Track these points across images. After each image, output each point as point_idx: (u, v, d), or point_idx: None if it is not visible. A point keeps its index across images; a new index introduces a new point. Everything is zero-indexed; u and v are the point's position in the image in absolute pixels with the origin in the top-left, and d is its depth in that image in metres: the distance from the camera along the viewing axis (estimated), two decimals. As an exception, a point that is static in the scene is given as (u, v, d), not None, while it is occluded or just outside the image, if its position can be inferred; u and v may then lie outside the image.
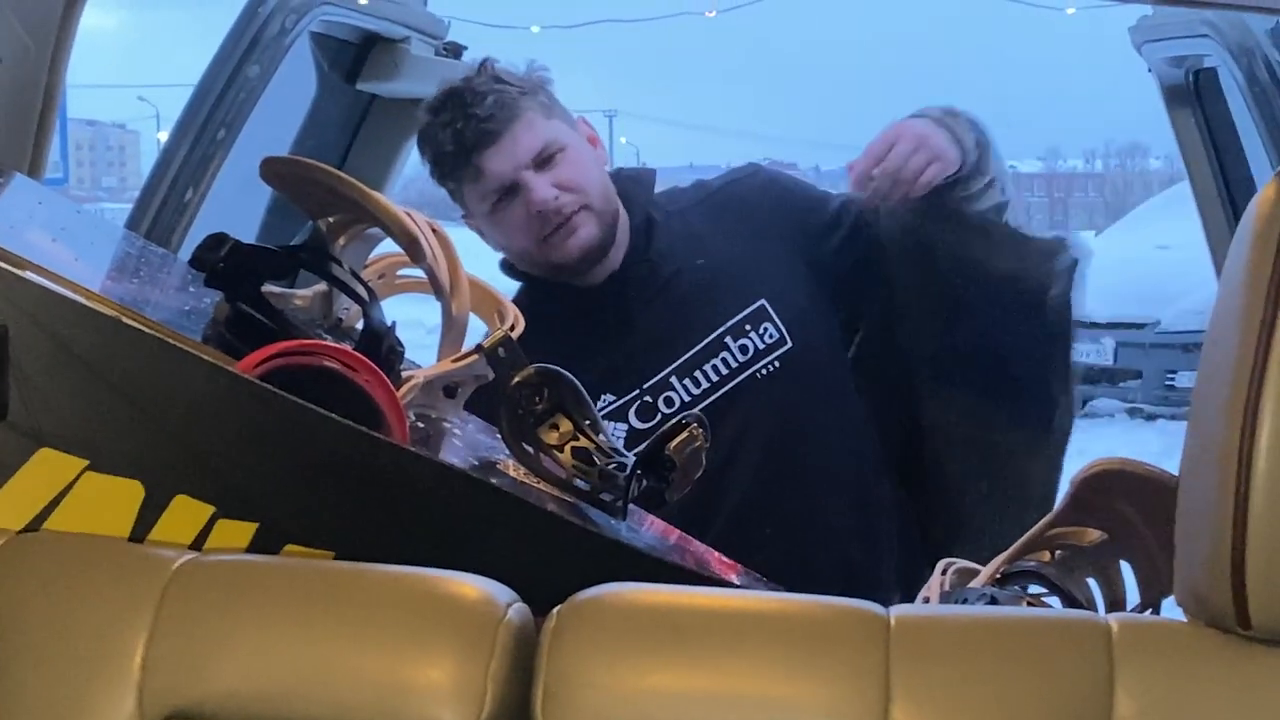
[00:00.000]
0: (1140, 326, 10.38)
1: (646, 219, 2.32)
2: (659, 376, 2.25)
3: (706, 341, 2.26)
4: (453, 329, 1.72)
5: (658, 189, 2.41)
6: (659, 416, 2.23)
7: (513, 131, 2.20)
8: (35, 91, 2.31)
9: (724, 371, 2.26)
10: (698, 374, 2.25)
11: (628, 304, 2.29)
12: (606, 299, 2.29)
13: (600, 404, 2.20)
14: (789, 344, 2.26)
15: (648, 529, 1.79)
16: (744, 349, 2.26)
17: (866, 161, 2.24)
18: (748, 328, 2.26)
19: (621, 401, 2.25)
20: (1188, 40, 3.15)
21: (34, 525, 1.36)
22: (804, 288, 2.32)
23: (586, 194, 2.23)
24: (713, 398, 2.24)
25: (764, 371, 2.26)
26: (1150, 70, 3.34)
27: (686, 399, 2.24)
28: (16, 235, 1.55)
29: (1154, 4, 3.07)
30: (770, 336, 2.26)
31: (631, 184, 2.35)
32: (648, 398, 2.25)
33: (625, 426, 2.23)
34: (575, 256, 2.25)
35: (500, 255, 2.36)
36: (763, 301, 2.27)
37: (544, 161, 2.21)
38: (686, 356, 2.25)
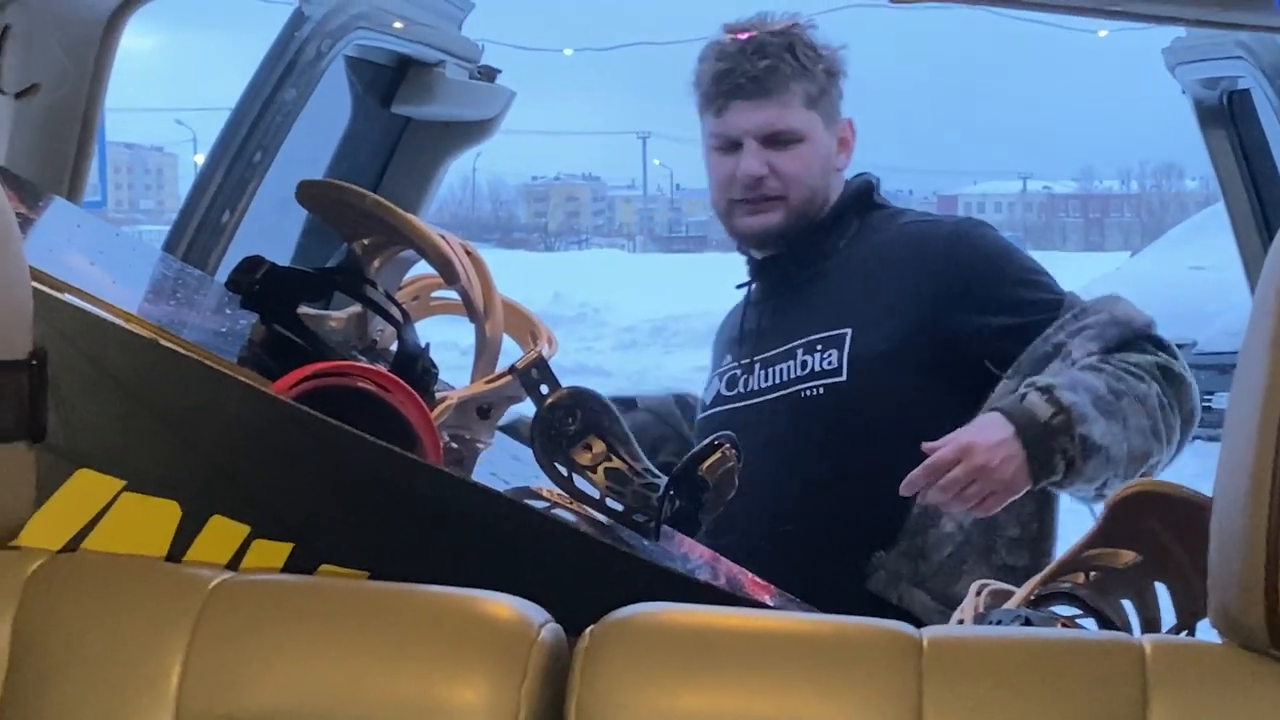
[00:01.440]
0: (1177, 348, 10.32)
1: (832, 218, 2.42)
2: (751, 359, 2.40)
3: (789, 345, 2.35)
4: (486, 350, 1.73)
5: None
6: (735, 391, 2.40)
7: (765, 102, 2.34)
8: (74, 115, 2.34)
9: (783, 378, 2.34)
10: (770, 370, 2.37)
11: (774, 282, 2.44)
12: (765, 271, 2.46)
13: (725, 362, 2.45)
14: (842, 377, 2.29)
15: (680, 549, 1.79)
16: (804, 364, 2.33)
17: (923, 475, 2.08)
18: (819, 347, 2.32)
19: (729, 367, 2.44)
20: (1221, 62, 3.14)
21: (72, 545, 1.37)
22: (900, 339, 2.30)
23: (792, 190, 2.36)
24: (763, 398, 2.36)
25: (808, 393, 2.31)
26: (1184, 92, 3.33)
27: (754, 388, 2.38)
28: (55, 258, 1.57)
29: (1187, 26, 3.06)
30: (828, 363, 2.30)
31: (847, 189, 2.45)
32: (737, 372, 2.42)
33: (719, 385, 2.44)
34: (748, 234, 2.42)
35: None
36: (848, 330, 2.32)
37: (774, 141, 2.35)
38: (769, 352, 2.38)
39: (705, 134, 2.42)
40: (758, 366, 2.38)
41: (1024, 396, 2.13)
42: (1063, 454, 2.10)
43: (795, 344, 2.35)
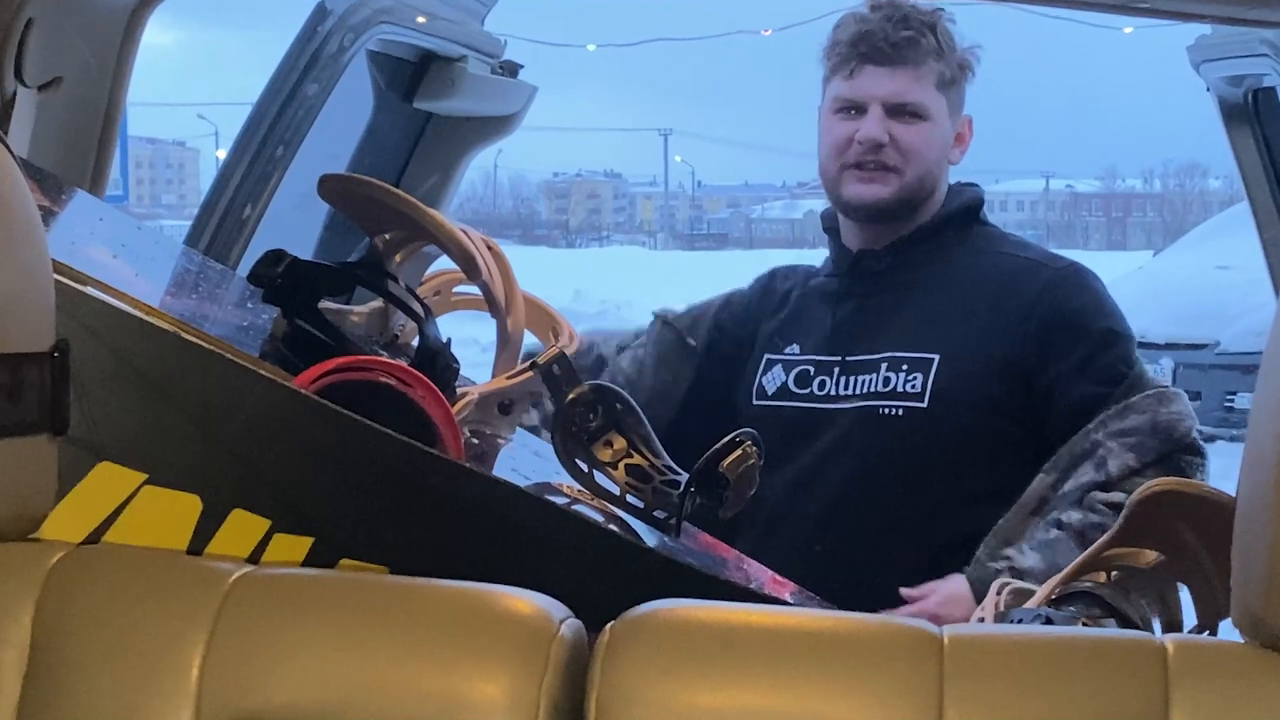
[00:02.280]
0: (1200, 347, 10.30)
1: (933, 227, 2.39)
2: (829, 359, 2.36)
3: (873, 357, 2.33)
4: (508, 346, 1.73)
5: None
6: (808, 390, 2.36)
7: (899, 70, 2.33)
8: (97, 109, 2.34)
9: (863, 389, 2.32)
10: (851, 378, 2.34)
11: (860, 281, 2.40)
12: (853, 266, 2.41)
13: (787, 350, 2.40)
14: (924, 404, 2.28)
15: (701, 546, 1.79)
16: (887, 381, 2.31)
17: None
18: (905, 367, 2.31)
19: (796, 357, 2.39)
20: (1246, 59, 3.12)
21: (93, 538, 1.37)
22: (992, 381, 2.29)
23: (909, 164, 2.34)
24: (841, 405, 2.33)
25: (885, 411, 2.30)
26: (1209, 89, 3.32)
27: (831, 391, 2.34)
28: (78, 251, 1.57)
29: (1212, 23, 3.04)
30: (913, 387, 2.29)
31: (953, 194, 2.42)
32: (811, 369, 2.37)
33: (784, 377, 2.39)
34: (856, 203, 2.36)
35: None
36: (935, 357, 2.30)
37: (899, 112, 2.33)
38: (855, 358, 2.34)
39: (827, 98, 2.39)
40: (837, 370, 2.34)
41: (998, 572, 2.10)
42: None
43: (881, 357, 2.32)
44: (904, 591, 2.16)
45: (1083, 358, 2.28)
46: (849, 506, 2.29)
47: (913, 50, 2.32)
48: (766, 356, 2.42)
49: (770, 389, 2.40)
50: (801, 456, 2.33)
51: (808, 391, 2.36)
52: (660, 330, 2.55)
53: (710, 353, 2.50)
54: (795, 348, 2.40)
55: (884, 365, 2.31)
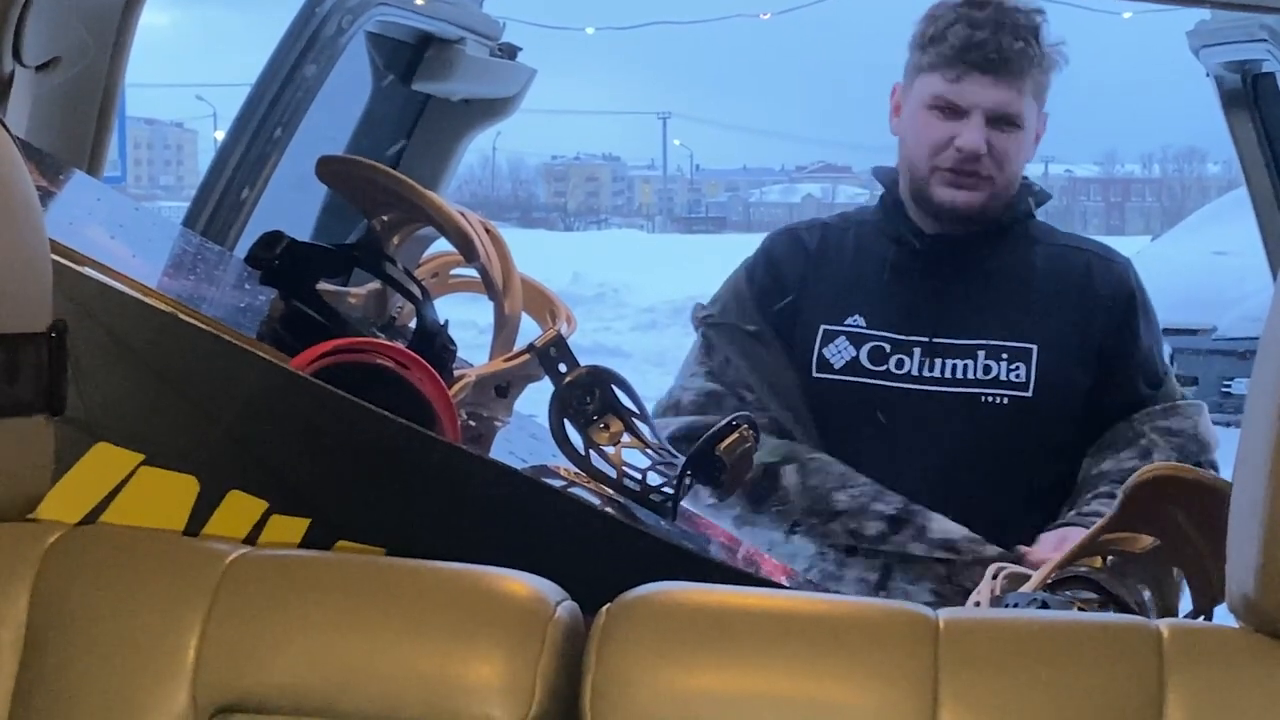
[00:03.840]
0: (1197, 333, 10.30)
1: (1012, 221, 2.40)
2: (908, 338, 2.34)
3: (966, 342, 2.33)
4: (505, 328, 1.73)
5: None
6: (884, 368, 2.33)
7: (1006, 81, 2.30)
8: (95, 90, 2.34)
9: (958, 376, 2.32)
10: (938, 361, 2.33)
11: (936, 264, 2.37)
12: (927, 248, 2.38)
13: (848, 321, 2.35)
14: (1030, 394, 2.31)
15: (698, 529, 1.79)
16: (987, 369, 2.31)
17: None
18: (1004, 356, 2.32)
19: (864, 331, 2.35)
20: (1245, 45, 3.13)
21: (90, 518, 1.37)
22: (1071, 366, 2.34)
23: (1001, 173, 2.33)
24: (933, 388, 2.32)
25: (989, 399, 2.31)
26: (1208, 75, 3.32)
27: (912, 372, 2.33)
28: (76, 231, 1.57)
29: (1211, 9, 3.04)
30: (1017, 376, 2.31)
31: (1027, 191, 2.42)
32: (886, 346, 2.34)
33: (853, 351, 2.34)
34: (949, 206, 2.34)
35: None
36: (1034, 347, 2.32)
37: (999, 122, 2.31)
38: (943, 340, 2.33)
39: (921, 90, 2.35)
40: (919, 351, 2.32)
41: None
42: None
43: (977, 343, 2.32)
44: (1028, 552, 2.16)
45: (1144, 355, 2.37)
46: (929, 492, 2.28)
47: (1021, 62, 2.30)
48: (824, 327, 2.36)
49: (837, 362, 2.35)
50: (877, 435, 2.32)
51: (884, 369, 2.33)
52: (717, 335, 2.44)
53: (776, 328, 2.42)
54: (859, 319, 2.36)
55: (981, 353, 2.31)
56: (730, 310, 2.44)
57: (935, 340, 2.33)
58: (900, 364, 2.33)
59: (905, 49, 2.40)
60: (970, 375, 2.31)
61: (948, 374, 2.32)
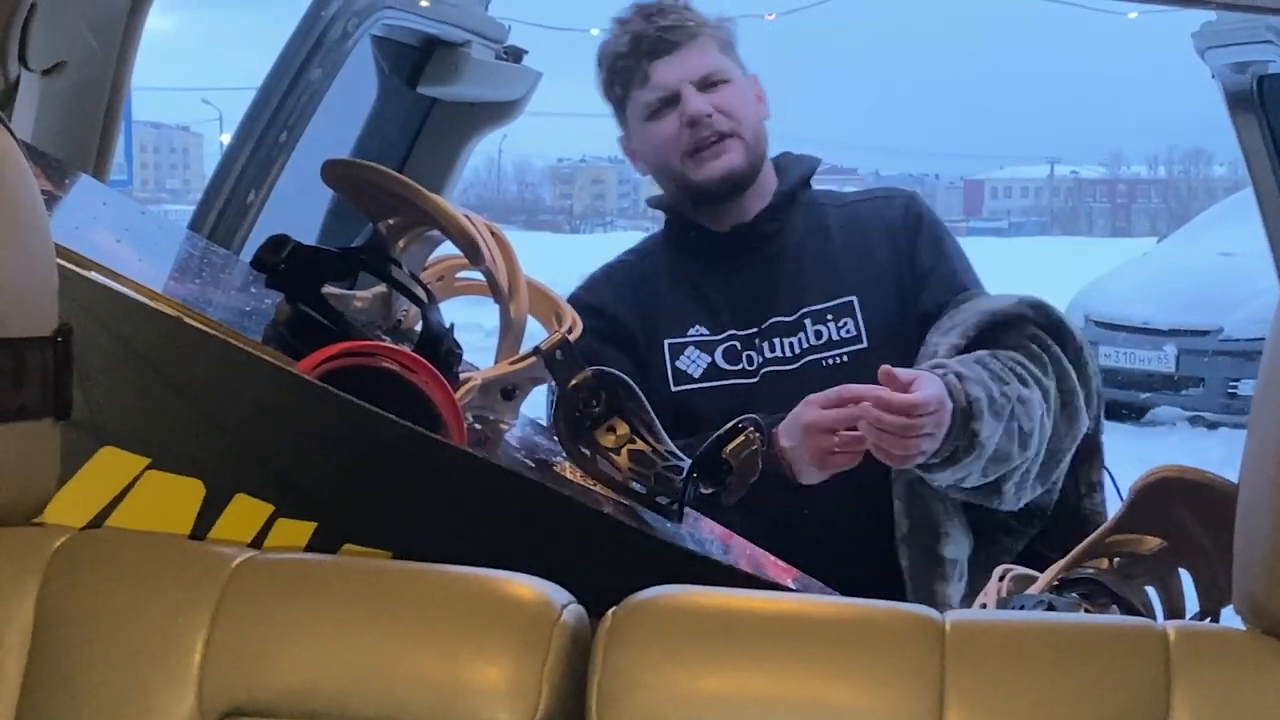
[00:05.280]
0: (1203, 334, 10.29)
1: (792, 192, 2.46)
2: (747, 331, 2.39)
3: (792, 317, 2.38)
4: (510, 331, 1.72)
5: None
6: (740, 366, 2.38)
7: (686, 48, 2.38)
8: (101, 93, 2.34)
9: (797, 350, 2.37)
10: (776, 341, 2.38)
11: (744, 255, 2.44)
12: (728, 244, 2.44)
13: (692, 332, 2.40)
14: (864, 344, 2.36)
15: (704, 532, 1.79)
16: (819, 334, 2.37)
17: (907, 406, 2.12)
18: (829, 317, 2.38)
19: (711, 338, 2.40)
20: (1252, 46, 3.12)
21: (96, 522, 1.38)
22: (894, 305, 2.40)
23: (740, 124, 2.39)
24: (780, 368, 2.37)
25: (831, 361, 2.36)
26: (1214, 76, 3.32)
27: (760, 360, 2.38)
28: (81, 235, 1.57)
29: (1217, 10, 3.04)
30: (847, 332, 2.37)
31: (793, 161, 2.52)
32: (736, 344, 2.39)
33: (708, 360, 2.39)
34: (717, 177, 2.39)
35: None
36: (852, 299, 2.38)
37: (707, 85, 2.38)
38: (772, 321, 2.39)
39: (634, 113, 2.42)
40: (758, 339, 2.38)
41: (943, 377, 2.17)
42: (955, 443, 2.17)
43: (799, 315, 2.38)
44: (899, 372, 2.14)
45: (947, 271, 2.43)
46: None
47: (683, 31, 2.38)
48: (668, 342, 2.40)
49: (695, 371, 2.40)
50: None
51: (739, 368, 2.38)
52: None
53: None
54: (700, 329, 2.41)
55: (808, 321, 2.38)
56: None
57: (763, 325, 2.38)
58: (750, 359, 2.38)
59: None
60: (806, 345, 2.37)
61: (786, 352, 2.37)
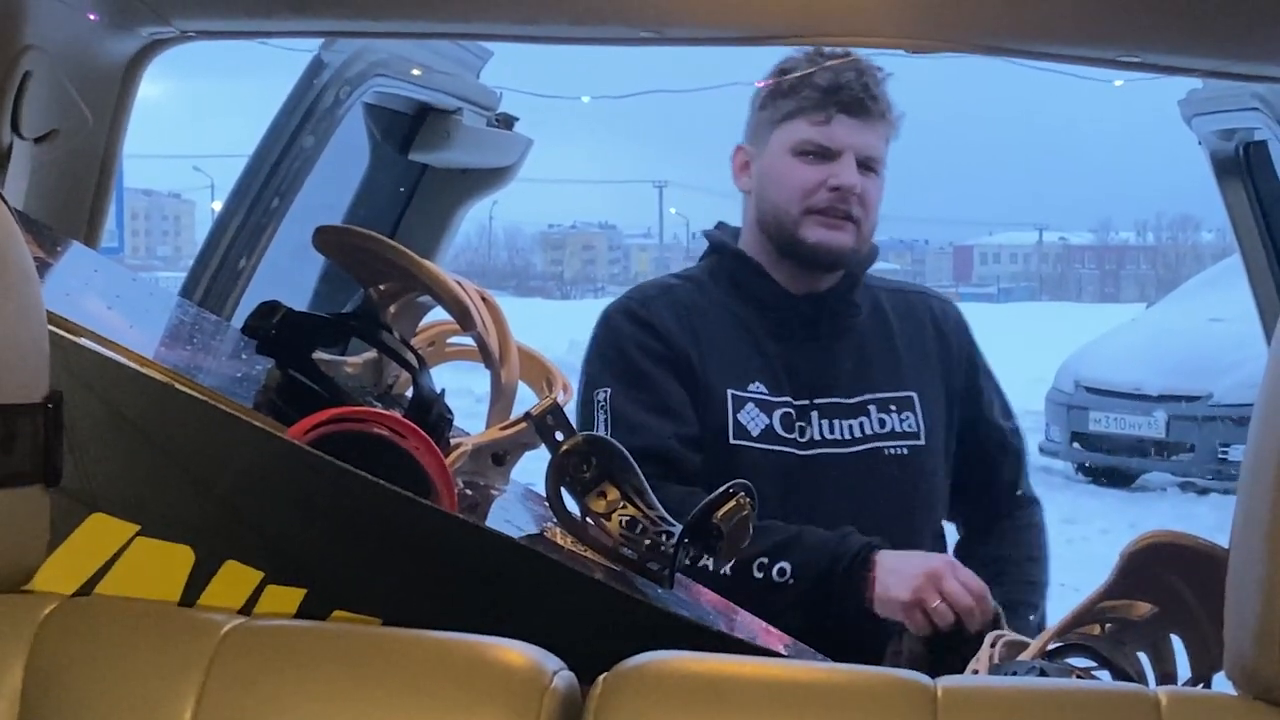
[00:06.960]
0: (1193, 399, 10.30)
1: (859, 276, 2.47)
2: (800, 402, 2.37)
3: (859, 400, 2.39)
4: (501, 397, 1.73)
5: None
6: (795, 432, 2.36)
7: (871, 123, 2.38)
8: (92, 161, 2.35)
9: (858, 433, 2.37)
10: (837, 421, 2.38)
11: (811, 326, 2.42)
12: (797, 308, 2.43)
13: (753, 388, 2.37)
14: (922, 441, 2.39)
15: (694, 597, 1.79)
16: (882, 423, 2.38)
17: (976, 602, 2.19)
18: (893, 407, 2.39)
19: (770, 398, 2.37)
20: (1237, 113, 3.14)
21: (85, 589, 1.37)
22: (943, 407, 2.45)
23: (866, 215, 2.40)
24: (838, 450, 2.36)
25: (892, 451, 2.38)
26: (1200, 143, 3.33)
27: (812, 436, 2.36)
28: (73, 302, 1.57)
29: (1203, 78, 3.06)
30: (909, 426, 2.39)
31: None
32: (791, 412, 2.37)
33: (766, 421, 2.36)
34: (826, 247, 2.39)
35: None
36: (913, 394, 2.41)
37: (864, 166, 2.38)
38: (834, 400, 2.38)
39: (783, 140, 2.40)
40: (815, 415, 2.37)
41: None
42: None
43: (866, 399, 2.39)
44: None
45: (995, 387, 2.54)
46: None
47: (878, 107, 2.38)
48: (731, 392, 2.36)
49: (754, 430, 2.35)
50: (806, 501, 2.34)
51: (793, 437, 2.36)
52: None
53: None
54: (760, 386, 2.38)
55: (872, 408, 2.38)
56: (621, 380, 2.37)
57: (818, 401, 2.38)
58: (805, 432, 2.37)
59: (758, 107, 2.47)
60: (868, 432, 2.38)
61: (845, 434, 2.37)
